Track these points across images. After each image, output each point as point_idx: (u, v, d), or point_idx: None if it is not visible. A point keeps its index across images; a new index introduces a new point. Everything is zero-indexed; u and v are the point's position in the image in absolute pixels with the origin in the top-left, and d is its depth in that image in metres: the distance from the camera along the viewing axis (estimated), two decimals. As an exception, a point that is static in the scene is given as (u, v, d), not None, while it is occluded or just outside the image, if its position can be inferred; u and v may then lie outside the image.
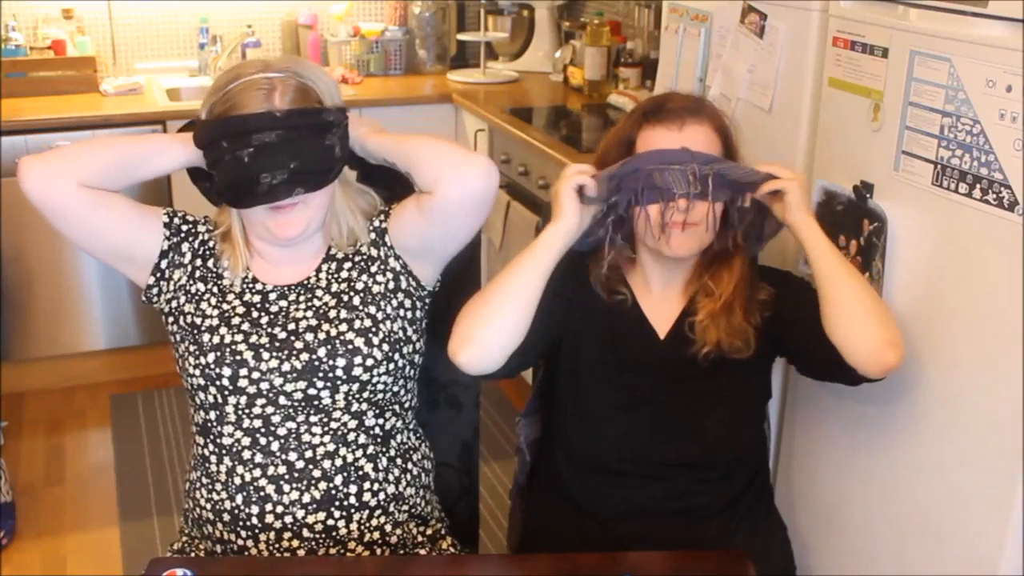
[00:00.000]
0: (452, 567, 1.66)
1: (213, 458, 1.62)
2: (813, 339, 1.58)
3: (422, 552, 1.68)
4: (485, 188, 1.55)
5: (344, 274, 1.64)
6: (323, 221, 1.62)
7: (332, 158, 1.57)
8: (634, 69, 3.46)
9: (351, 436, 1.62)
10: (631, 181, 1.57)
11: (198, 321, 1.61)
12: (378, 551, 1.64)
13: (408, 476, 1.69)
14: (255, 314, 1.61)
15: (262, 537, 1.60)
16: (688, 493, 1.73)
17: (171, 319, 1.65)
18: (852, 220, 1.76)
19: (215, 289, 1.64)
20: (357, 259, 1.65)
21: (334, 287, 1.63)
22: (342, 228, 1.64)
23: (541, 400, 1.88)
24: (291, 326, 1.59)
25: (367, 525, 1.63)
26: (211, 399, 1.60)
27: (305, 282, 1.64)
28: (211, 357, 1.57)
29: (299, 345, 1.58)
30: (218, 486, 1.62)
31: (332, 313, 1.60)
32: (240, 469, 1.60)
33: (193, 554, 1.69)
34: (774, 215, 1.61)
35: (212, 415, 1.61)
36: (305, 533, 1.60)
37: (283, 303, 1.62)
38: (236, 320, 1.60)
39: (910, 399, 1.70)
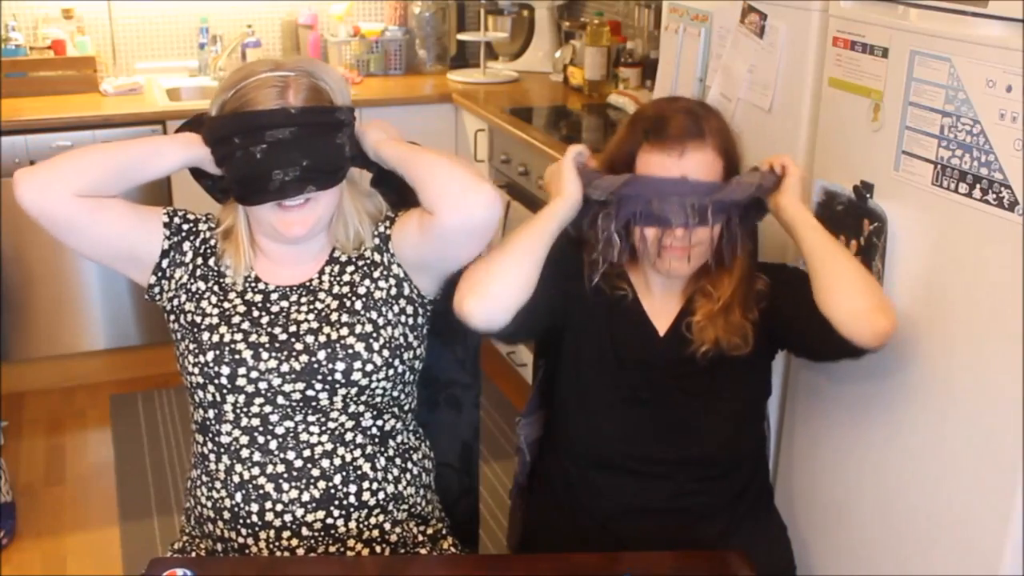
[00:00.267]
0: (452, 567, 1.66)
1: (212, 456, 1.62)
2: (806, 314, 1.58)
3: (422, 552, 1.69)
4: (486, 219, 1.53)
5: (347, 277, 1.64)
6: (330, 221, 1.62)
7: (342, 157, 1.57)
8: (634, 69, 3.45)
9: (348, 436, 1.62)
10: (630, 203, 1.58)
11: (198, 319, 1.61)
12: (378, 549, 1.64)
13: (408, 476, 1.69)
14: (256, 313, 1.61)
15: (262, 535, 1.60)
16: (688, 492, 1.73)
17: (172, 317, 1.66)
18: (852, 220, 1.76)
19: (216, 288, 1.64)
20: (360, 263, 1.65)
21: (336, 289, 1.63)
22: (348, 231, 1.64)
23: (541, 399, 1.89)
24: (292, 327, 1.59)
25: (366, 524, 1.63)
26: (210, 397, 1.60)
27: (308, 283, 1.64)
28: (210, 355, 1.57)
29: (299, 347, 1.58)
30: (217, 484, 1.62)
31: (334, 316, 1.60)
32: (239, 467, 1.60)
33: (194, 553, 1.69)
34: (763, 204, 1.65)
35: (211, 413, 1.61)
36: (304, 532, 1.60)
37: (284, 303, 1.62)
38: (236, 319, 1.60)
39: (910, 399, 1.70)
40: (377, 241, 1.65)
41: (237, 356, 1.57)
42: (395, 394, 1.66)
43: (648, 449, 1.71)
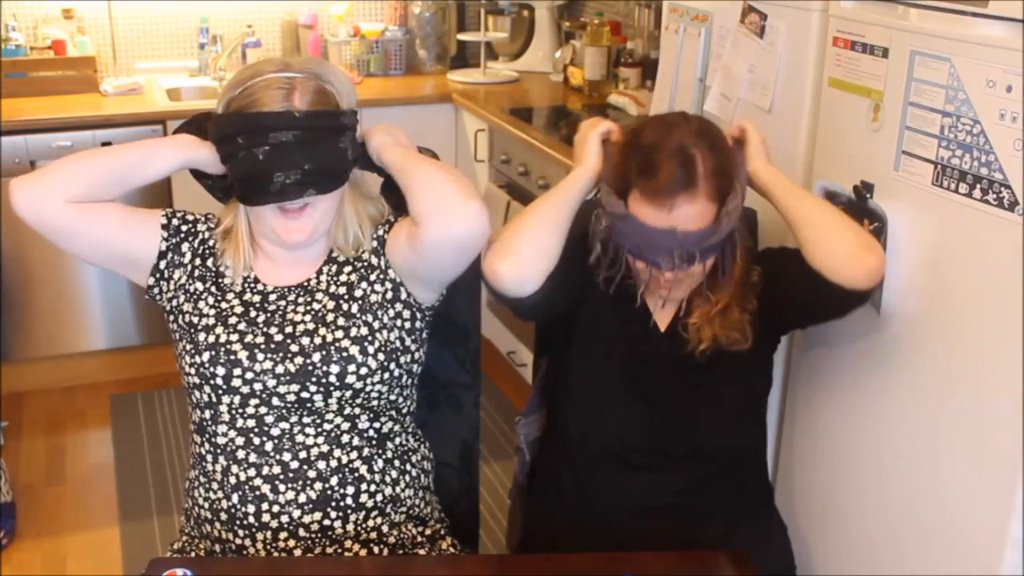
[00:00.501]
0: (452, 567, 1.66)
1: (209, 457, 1.62)
2: (797, 276, 1.60)
3: (422, 552, 1.68)
4: (468, 234, 1.50)
5: (344, 278, 1.64)
6: (330, 226, 1.62)
7: (345, 160, 1.57)
8: (634, 69, 3.45)
9: (344, 438, 1.62)
10: (622, 237, 1.60)
11: (195, 320, 1.61)
12: (376, 550, 1.63)
13: (407, 477, 1.69)
14: (253, 313, 1.61)
15: (259, 536, 1.60)
16: (688, 488, 1.73)
17: (171, 317, 1.66)
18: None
19: (213, 288, 1.64)
20: (358, 264, 1.64)
21: (333, 290, 1.63)
22: (348, 234, 1.63)
23: (541, 399, 1.89)
24: (288, 328, 1.59)
25: (364, 526, 1.63)
26: (206, 398, 1.60)
27: (305, 284, 1.64)
28: (206, 356, 1.57)
29: (295, 348, 1.57)
30: (215, 485, 1.62)
31: (330, 317, 1.60)
32: (235, 468, 1.60)
33: (193, 554, 1.69)
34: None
35: (207, 414, 1.61)
36: (301, 533, 1.60)
37: (281, 303, 1.62)
38: (233, 320, 1.60)
39: (911, 399, 1.70)
40: (375, 244, 1.65)
41: (232, 357, 1.57)
42: (392, 397, 1.65)
43: (650, 442, 1.72)
